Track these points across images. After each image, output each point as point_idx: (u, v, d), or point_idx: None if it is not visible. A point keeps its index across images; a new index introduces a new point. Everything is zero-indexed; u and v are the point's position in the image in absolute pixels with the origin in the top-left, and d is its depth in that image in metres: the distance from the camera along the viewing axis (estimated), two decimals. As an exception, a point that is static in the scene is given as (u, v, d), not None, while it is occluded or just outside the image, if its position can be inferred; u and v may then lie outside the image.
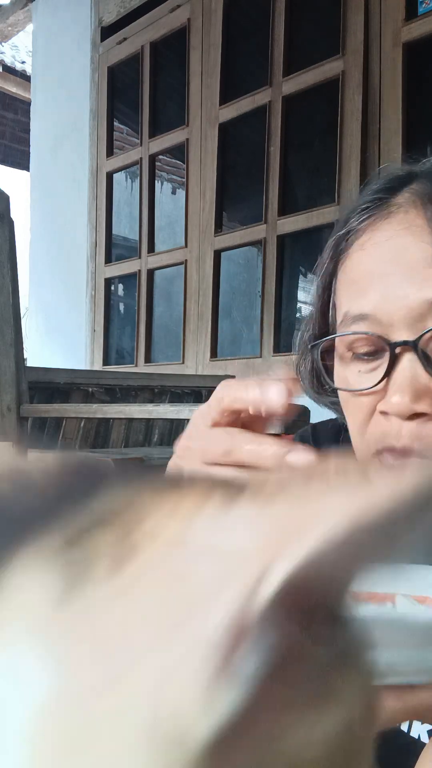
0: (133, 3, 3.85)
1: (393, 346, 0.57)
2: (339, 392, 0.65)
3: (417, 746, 0.67)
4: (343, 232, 0.64)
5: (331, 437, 0.77)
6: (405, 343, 0.56)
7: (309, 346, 0.69)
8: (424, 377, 0.56)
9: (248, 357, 3.25)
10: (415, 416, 0.56)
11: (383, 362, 0.58)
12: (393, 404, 0.57)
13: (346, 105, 2.83)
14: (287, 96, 3.11)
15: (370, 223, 0.61)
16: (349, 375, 0.62)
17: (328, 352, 0.66)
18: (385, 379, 0.58)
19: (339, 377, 0.64)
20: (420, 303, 0.55)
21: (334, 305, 0.66)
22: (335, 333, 0.64)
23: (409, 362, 0.56)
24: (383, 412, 0.59)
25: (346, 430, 0.66)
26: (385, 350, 0.58)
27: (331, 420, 0.78)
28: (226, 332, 3.68)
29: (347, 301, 0.61)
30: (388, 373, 0.57)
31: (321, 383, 0.69)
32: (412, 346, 0.56)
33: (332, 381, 0.65)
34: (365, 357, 0.60)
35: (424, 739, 0.65)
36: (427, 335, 0.56)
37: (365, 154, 2.76)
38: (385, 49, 2.74)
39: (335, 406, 0.70)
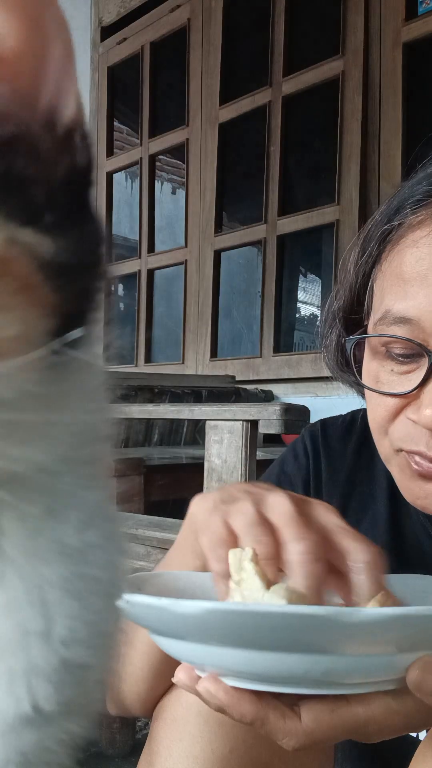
0: (133, 3, 3.85)
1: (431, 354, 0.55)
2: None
3: (415, 745, 0.67)
4: (396, 222, 0.60)
5: (341, 434, 0.76)
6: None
7: (338, 319, 0.67)
8: None
9: (248, 357, 3.25)
10: None
11: (419, 368, 0.57)
12: (426, 416, 0.55)
13: (346, 105, 2.83)
14: (287, 96, 3.11)
15: (425, 218, 0.58)
16: (381, 372, 0.60)
17: (359, 343, 0.65)
18: (420, 388, 0.57)
19: (368, 370, 0.63)
20: None
21: (372, 292, 0.64)
22: (369, 322, 0.63)
23: None
24: (413, 420, 0.58)
25: (360, 425, 0.66)
26: (423, 357, 0.56)
27: (341, 416, 0.78)
28: (226, 332, 3.68)
29: (391, 298, 0.59)
30: (423, 383, 0.56)
31: (346, 361, 0.67)
32: None
33: (359, 373, 0.65)
34: (401, 358, 0.59)
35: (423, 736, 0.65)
36: None
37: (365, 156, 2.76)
38: (385, 49, 2.74)
39: (358, 386, 0.68)
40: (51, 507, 0.28)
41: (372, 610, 0.41)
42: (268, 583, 0.45)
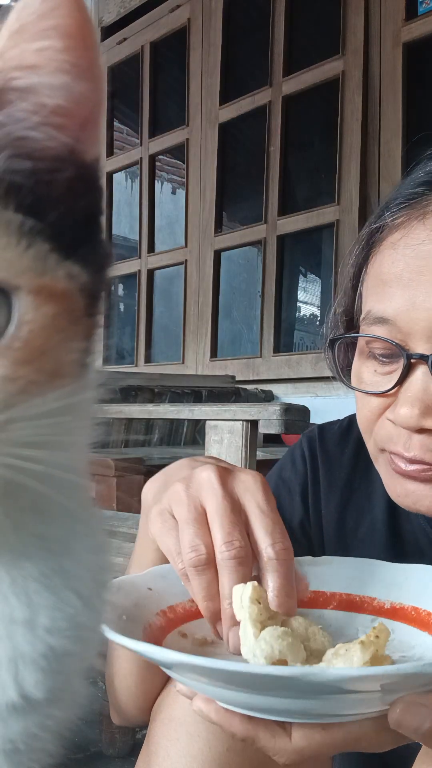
0: (133, 3, 3.85)
1: (408, 356, 0.56)
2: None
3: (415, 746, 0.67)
4: (376, 225, 0.61)
5: (338, 438, 0.76)
6: (420, 357, 0.55)
7: (340, 322, 0.69)
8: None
9: (248, 357, 3.25)
10: (422, 430, 0.56)
11: (398, 369, 0.57)
12: (400, 415, 0.56)
13: (346, 105, 2.83)
14: (287, 96, 3.11)
15: (404, 221, 0.58)
16: (364, 372, 0.61)
17: (351, 343, 0.66)
18: (397, 387, 0.57)
19: (354, 371, 0.64)
20: None
21: (360, 295, 0.65)
22: (358, 324, 0.64)
23: (422, 375, 0.56)
24: (390, 420, 0.58)
25: (356, 429, 0.66)
26: (401, 357, 0.57)
27: (338, 421, 0.78)
28: (226, 332, 3.68)
29: (372, 299, 0.60)
30: (400, 382, 0.57)
31: (348, 362, 0.68)
32: (427, 360, 0.55)
33: (348, 376, 0.65)
34: (382, 359, 0.59)
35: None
36: None
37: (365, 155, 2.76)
38: (385, 49, 2.74)
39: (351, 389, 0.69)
40: (35, 502, 0.29)
41: (338, 670, 0.41)
42: (263, 625, 0.46)
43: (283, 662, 0.45)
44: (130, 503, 2.01)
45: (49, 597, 0.30)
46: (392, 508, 0.69)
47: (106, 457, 2.14)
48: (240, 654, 0.47)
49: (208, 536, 0.50)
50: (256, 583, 0.48)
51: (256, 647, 0.45)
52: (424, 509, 0.60)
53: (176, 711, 0.59)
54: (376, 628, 0.46)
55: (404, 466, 0.58)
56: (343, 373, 0.67)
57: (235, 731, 0.45)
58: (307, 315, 4.04)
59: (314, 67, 2.97)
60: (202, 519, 0.51)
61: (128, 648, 0.42)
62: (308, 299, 3.96)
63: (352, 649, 0.44)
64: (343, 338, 0.64)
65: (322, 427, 0.78)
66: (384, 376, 0.59)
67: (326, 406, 2.68)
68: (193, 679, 0.44)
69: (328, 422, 0.79)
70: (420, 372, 0.56)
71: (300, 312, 3.77)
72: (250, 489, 0.52)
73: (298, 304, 3.69)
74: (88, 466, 0.33)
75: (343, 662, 0.44)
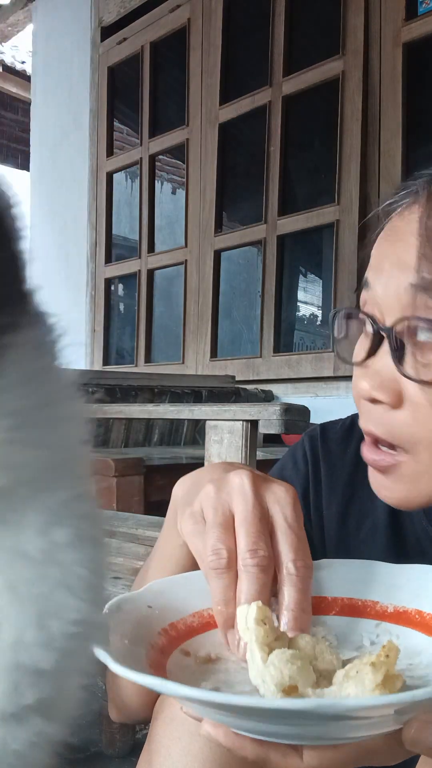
0: (133, 3, 3.85)
1: (377, 329, 0.58)
2: None
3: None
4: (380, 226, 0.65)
5: (340, 438, 0.76)
6: (381, 329, 0.57)
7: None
8: (393, 367, 0.56)
9: (248, 357, 3.25)
10: (377, 401, 0.57)
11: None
12: (357, 386, 0.58)
13: (346, 105, 2.83)
14: (287, 96, 3.11)
15: (393, 215, 0.62)
16: (358, 347, 0.62)
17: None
18: (368, 359, 0.59)
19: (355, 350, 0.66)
20: (406, 287, 0.56)
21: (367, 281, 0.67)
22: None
23: (386, 348, 0.57)
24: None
25: (359, 428, 0.66)
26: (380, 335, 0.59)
27: (340, 420, 0.78)
28: (226, 332, 3.68)
29: (366, 282, 0.62)
30: (369, 355, 0.59)
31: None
32: (387, 333, 0.56)
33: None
34: (371, 335, 0.61)
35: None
36: (406, 324, 0.55)
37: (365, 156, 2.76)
38: (385, 49, 2.74)
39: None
40: (2, 515, 0.28)
41: (353, 700, 0.40)
42: (270, 647, 0.46)
43: (293, 688, 0.44)
44: (130, 503, 2.01)
45: (20, 609, 0.29)
46: (394, 509, 0.69)
47: (106, 457, 2.14)
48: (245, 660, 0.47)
49: (233, 541, 0.50)
50: (260, 602, 0.48)
51: (265, 673, 0.45)
52: (389, 501, 0.61)
53: (178, 710, 0.59)
54: (386, 646, 0.46)
55: (368, 453, 0.60)
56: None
57: (245, 754, 0.45)
58: (307, 315, 4.04)
59: (314, 67, 2.97)
60: (228, 523, 0.51)
61: (135, 681, 0.42)
62: (308, 299, 3.96)
63: (363, 671, 0.44)
64: (336, 312, 0.65)
65: (324, 427, 0.78)
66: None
67: (326, 406, 2.69)
68: (201, 708, 0.44)
69: (331, 421, 0.79)
70: (385, 345, 0.57)
71: (300, 312, 3.77)
72: (281, 501, 0.52)
73: (298, 304, 3.69)
74: (64, 464, 0.31)
75: (355, 685, 0.44)
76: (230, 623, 0.49)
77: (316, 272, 3.68)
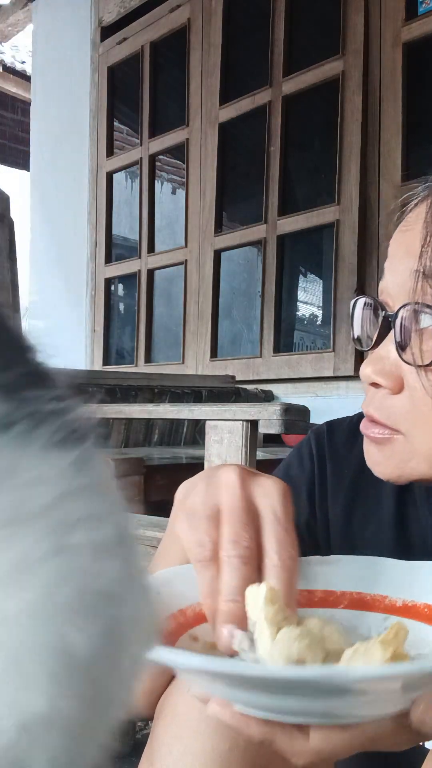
0: (133, 3, 3.85)
1: (385, 316, 0.59)
2: None
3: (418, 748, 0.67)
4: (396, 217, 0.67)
5: (347, 435, 0.75)
6: (387, 316, 0.59)
7: None
8: (395, 352, 0.57)
9: (248, 357, 3.25)
10: (377, 386, 0.59)
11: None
12: (362, 370, 0.59)
13: (346, 105, 2.83)
14: (287, 96, 3.11)
15: (409, 208, 0.63)
16: (374, 334, 0.64)
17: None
18: (375, 346, 0.61)
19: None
20: (410, 274, 0.57)
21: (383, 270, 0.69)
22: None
23: (391, 335, 0.58)
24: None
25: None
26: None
27: (348, 417, 0.77)
28: (226, 332, 3.68)
29: (382, 271, 0.64)
30: (377, 342, 0.60)
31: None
32: (392, 318, 0.58)
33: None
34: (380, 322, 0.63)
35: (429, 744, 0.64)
36: (410, 309, 0.56)
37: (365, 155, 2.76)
38: (385, 49, 2.74)
39: None
40: None
41: (362, 669, 0.40)
42: (279, 627, 0.46)
43: (301, 663, 0.44)
44: (130, 503, 2.01)
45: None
46: (402, 507, 0.69)
47: (105, 457, 2.14)
48: (233, 654, 0.47)
49: (217, 534, 0.50)
50: (271, 584, 0.48)
51: (273, 649, 0.45)
52: (382, 475, 0.62)
53: (180, 709, 0.59)
54: (394, 627, 0.46)
55: (364, 427, 0.61)
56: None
57: (252, 734, 0.45)
58: (307, 315, 4.04)
59: (314, 67, 2.97)
60: (215, 516, 0.51)
61: None
62: (308, 299, 3.96)
63: (372, 648, 0.44)
64: (356, 300, 0.66)
65: (331, 424, 0.78)
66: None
67: (326, 406, 2.68)
68: (209, 682, 0.44)
69: (338, 419, 0.79)
70: (392, 332, 0.58)
71: (300, 312, 3.77)
72: (269, 494, 0.52)
73: (298, 304, 3.69)
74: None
75: (363, 662, 0.44)
76: (220, 617, 0.49)
77: (316, 272, 3.68)
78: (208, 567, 0.50)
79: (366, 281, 2.74)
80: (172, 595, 0.53)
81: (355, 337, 0.65)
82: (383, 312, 0.60)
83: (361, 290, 2.72)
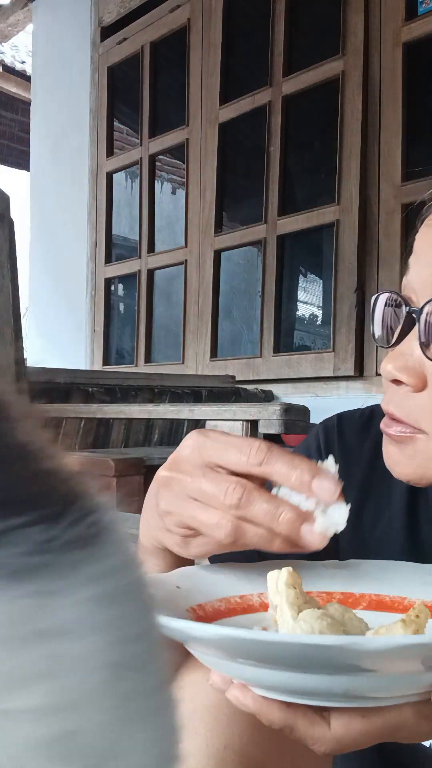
0: (133, 3, 3.85)
1: (409, 311, 0.58)
2: None
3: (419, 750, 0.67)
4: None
5: (358, 430, 0.74)
6: (411, 311, 0.58)
7: None
8: (419, 349, 0.57)
9: (248, 357, 3.25)
10: (400, 383, 0.57)
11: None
12: (384, 368, 0.58)
13: (346, 105, 2.83)
14: (287, 96, 3.11)
15: None
16: (397, 330, 0.63)
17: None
18: (397, 343, 0.60)
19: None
20: None
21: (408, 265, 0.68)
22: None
23: (416, 331, 0.57)
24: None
25: (378, 421, 0.65)
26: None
27: (359, 409, 0.76)
28: (226, 332, 3.68)
29: (407, 267, 0.63)
30: (400, 339, 0.59)
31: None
32: (417, 314, 0.57)
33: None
34: (404, 318, 0.62)
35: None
36: None
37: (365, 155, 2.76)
38: (385, 49, 2.74)
39: None
40: None
41: (383, 639, 0.40)
42: (300, 609, 0.46)
43: None
44: (130, 503, 2.01)
45: None
46: (412, 506, 0.68)
47: (106, 457, 2.15)
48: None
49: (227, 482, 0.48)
50: (291, 568, 0.48)
51: (295, 627, 0.45)
52: (402, 476, 0.60)
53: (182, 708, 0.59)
54: (416, 608, 0.46)
55: (385, 426, 0.60)
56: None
57: (273, 719, 0.44)
58: (307, 315, 4.04)
59: (314, 67, 2.97)
60: (206, 470, 0.48)
61: (169, 627, 0.40)
62: (308, 299, 3.96)
63: (394, 628, 0.44)
64: (378, 295, 0.65)
65: (341, 416, 0.76)
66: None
67: (326, 406, 2.68)
68: (231, 662, 0.44)
69: (349, 410, 0.76)
70: (415, 327, 0.57)
71: (300, 312, 3.77)
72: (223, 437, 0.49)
73: (298, 304, 3.69)
74: None
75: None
76: (291, 525, 0.47)
77: (316, 272, 3.68)
78: (255, 494, 0.47)
79: (366, 281, 2.74)
80: (191, 591, 0.53)
81: (376, 334, 0.63)
82: (407, 308, 0.58)
83: (361, 290, 2.72)
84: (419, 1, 2.66)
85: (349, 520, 0.70)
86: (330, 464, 0.48)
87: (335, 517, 0.47)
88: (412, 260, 0.61)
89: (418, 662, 0.39)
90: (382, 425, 0.60)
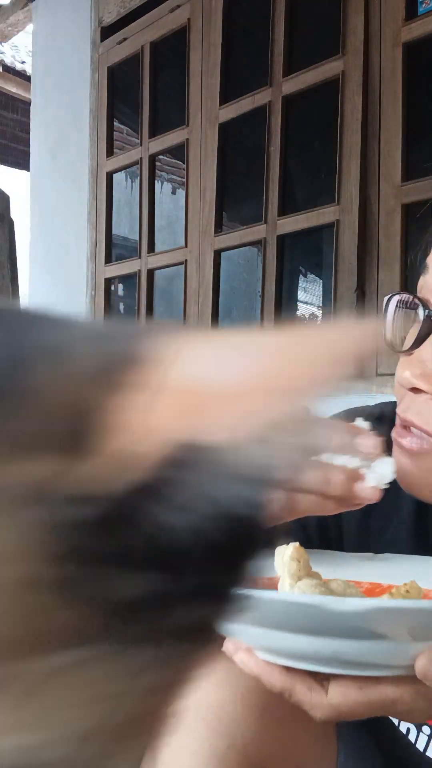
0: (133, 3, 3.85)
1: (428, 314, 0.56)
2: None
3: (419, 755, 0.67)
4: None
5: (392, 420, 0.71)
6: (429, 314, 0.56)
7: None
8: None
9: (248, 357, 3.25)
10: (418, 390, 0.56)
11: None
12: (400, 374, 0.57)
13: (346, 105, 2.83)
14: (287, 96, 3.11)
15: None
16: (408, 336, 0.61)
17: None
18: (413, 348, 0.57)
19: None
20: None
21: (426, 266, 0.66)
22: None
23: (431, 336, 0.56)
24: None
25: (387, 422, 0.64)
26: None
27: (368, 407, 0.74)
28: (226, 332, 3.68)
29: (425, 267, 0.60)
30: (417, 343, 0.57)
31: None
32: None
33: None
34: (421, 322, 0.59)
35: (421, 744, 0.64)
36: None
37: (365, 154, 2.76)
38: (385, 49, 2.74)
39: None
40: None
41: (356, 600, 0.42)
42: (301, 579, 0.49)
43: None
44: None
45: None
46: (422, 513, 0.67)
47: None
48: None
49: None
50: (298, 543, 0.50)
51: (296, 590, 0.48)
52: (414, 491, 0.59)
53: (179, 708, 0.59)
54: (407, 584, 0.47)
55: (399, 436, 0.58)
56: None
57: (274, 683, 0.46)
58: (307, 315, 4.04)
59: (314, 67, 2.97)
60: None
61: None
62: (308, 299, 3.96)
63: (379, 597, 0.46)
64: (390, 296, 0.63)
65: (349, 413, 0.71)
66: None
67: (326, 406, 2.68)
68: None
69: (358, 407, 0.72)
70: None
71: (300, 312, 3.77)
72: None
73: (298, 304, 3.69)
74: None
75: None
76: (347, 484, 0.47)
77: (316, 272, 3.68)
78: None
79: (366, 281, 2.74)
80: None
81: (387, 337, 0.60)
82: (426, 310, 0.56)
83: (361, 290, 2.72)
84: (419, 1, 2.66)
85: (354, 525, 0.70)
86: (363, 424, 0.48)
87: (383, 470, 0.48)
88: (430, 260, 0.58)
89: (403, 624, 0.40)
90: (394, 435, 0.58)
